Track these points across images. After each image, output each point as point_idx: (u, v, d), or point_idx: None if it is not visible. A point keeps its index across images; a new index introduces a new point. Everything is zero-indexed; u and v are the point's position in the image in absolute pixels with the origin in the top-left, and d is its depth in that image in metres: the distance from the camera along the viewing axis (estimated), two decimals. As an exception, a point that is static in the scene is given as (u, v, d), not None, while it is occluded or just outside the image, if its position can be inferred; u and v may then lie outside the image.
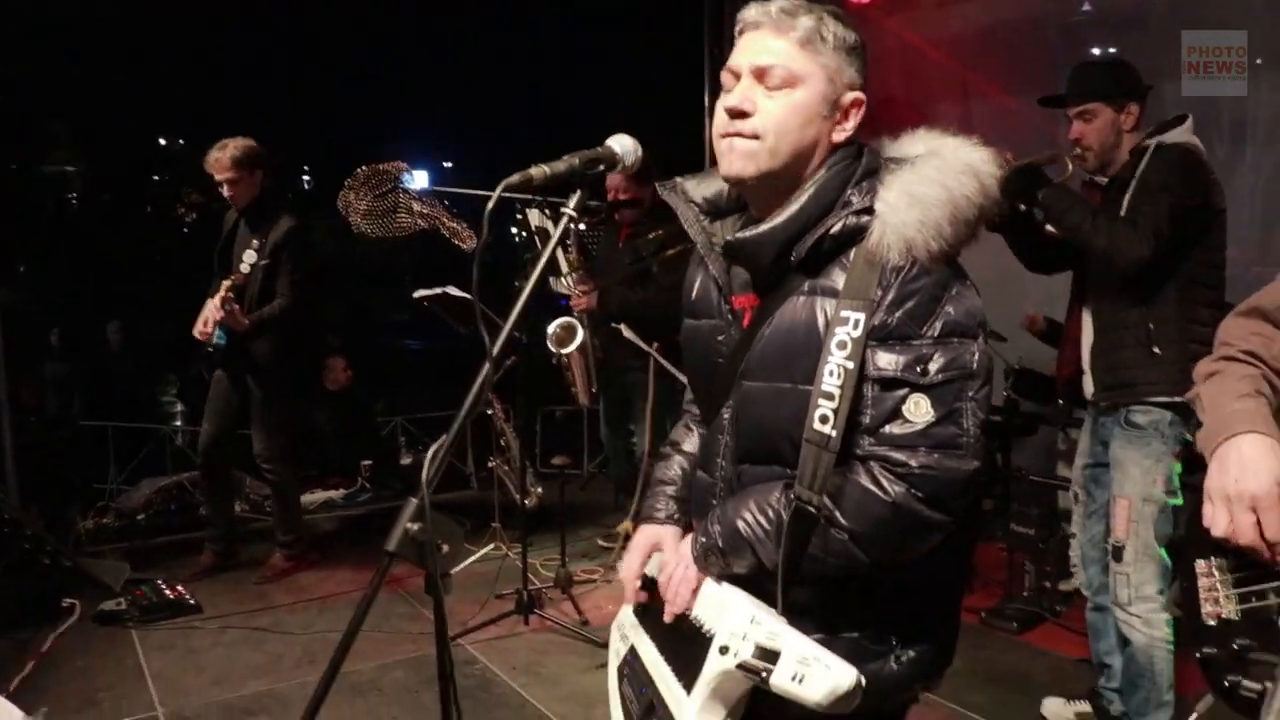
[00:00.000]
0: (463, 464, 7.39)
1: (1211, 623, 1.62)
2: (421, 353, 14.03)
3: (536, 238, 4.76)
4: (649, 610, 1.90)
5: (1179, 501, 3.24)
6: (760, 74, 1.63)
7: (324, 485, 6.69)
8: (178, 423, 7.42)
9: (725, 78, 1.69)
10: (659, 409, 5.09)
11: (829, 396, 1.55)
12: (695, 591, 1.75)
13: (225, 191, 4.87)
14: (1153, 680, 3.18)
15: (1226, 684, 1.56)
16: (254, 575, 5.16)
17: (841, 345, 1.55)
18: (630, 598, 1.92)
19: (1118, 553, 3.22)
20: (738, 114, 1.64)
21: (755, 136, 1.63)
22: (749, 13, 1.67)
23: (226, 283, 4.73)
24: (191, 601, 4.70)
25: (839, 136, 1.68)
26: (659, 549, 1.92)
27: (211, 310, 4.76)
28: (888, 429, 1.58)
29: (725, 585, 1.71)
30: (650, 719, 1.76)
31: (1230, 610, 1.60)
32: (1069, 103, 3.31)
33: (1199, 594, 1.66)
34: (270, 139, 5.03)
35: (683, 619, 1.75)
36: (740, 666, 1.53)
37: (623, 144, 1.72)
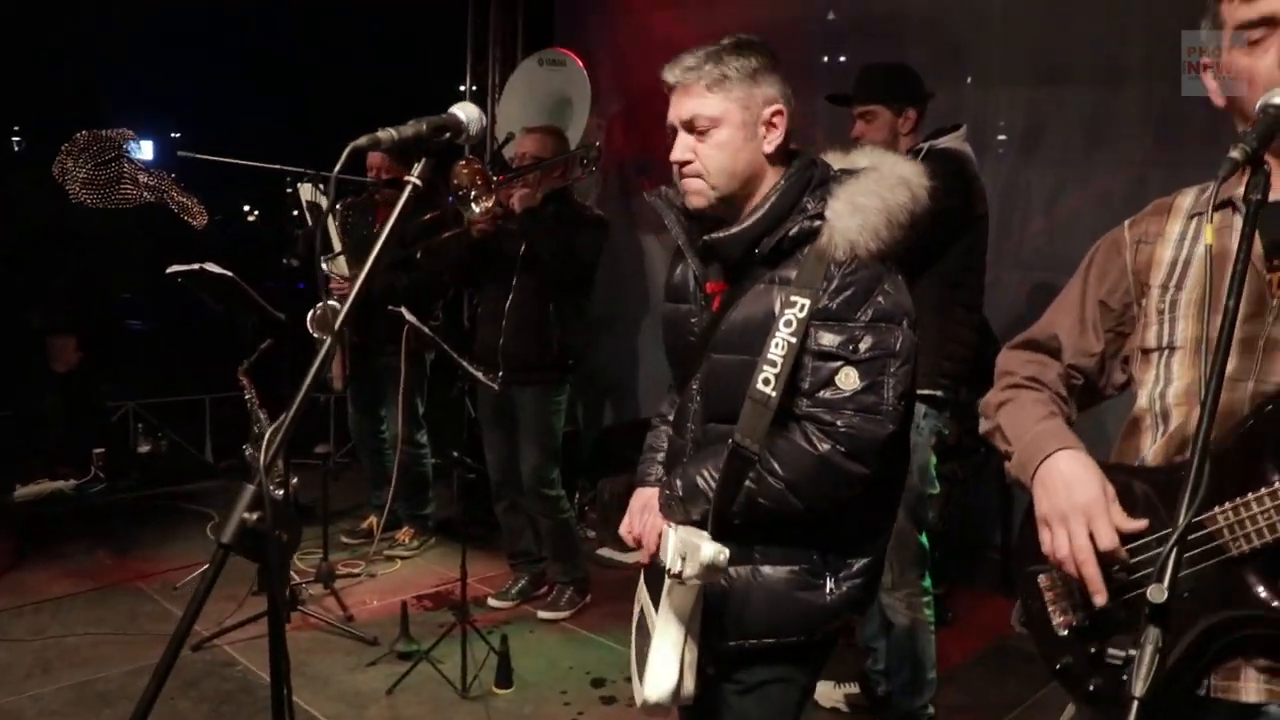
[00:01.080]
0: (200, 451, 6.96)
1: (1064, 633, 1.67)
2: (148, 334, 13.10)
3: (307, 213, 4.52)
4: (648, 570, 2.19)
5: (935, 490, 3.48)
6: (688, 126, 2.00)
7: (51, 475, 6.11)
8: None
9: (668, 129, 2.04)
10: (409, 395, 5.01)
11: (772, 364, 1.87)
12: (660, 534, 2.04)
13: None
14: (916, 660, 3.37)
15: (1092, 689, 1.59)
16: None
17: (789, 324, 1.88)
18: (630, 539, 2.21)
19: (880, 540, 3.39)
20: (682, 164, 2.01)
21: (699, 176, 2.00)
22: (666, 75, 2.02)
23: None
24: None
25: (769, 148, 2.01)
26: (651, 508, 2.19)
27: None
28: (822, 394, 1.91)
29: (677, 528, 1.98)
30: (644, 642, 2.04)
31: (1080, 617, 1.65)
32: (853, 102, 3.46)
33: (1046, 608, 1.70)
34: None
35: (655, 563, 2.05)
36: (668, 573, 1.87)
37: (468, 112, 1.64)
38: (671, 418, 2.29)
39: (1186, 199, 1.71)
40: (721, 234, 2.01)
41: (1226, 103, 1.57)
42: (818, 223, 1.92)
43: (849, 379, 1.89)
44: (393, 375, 4.94)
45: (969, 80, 5.27)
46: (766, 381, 1.87)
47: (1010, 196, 5.12)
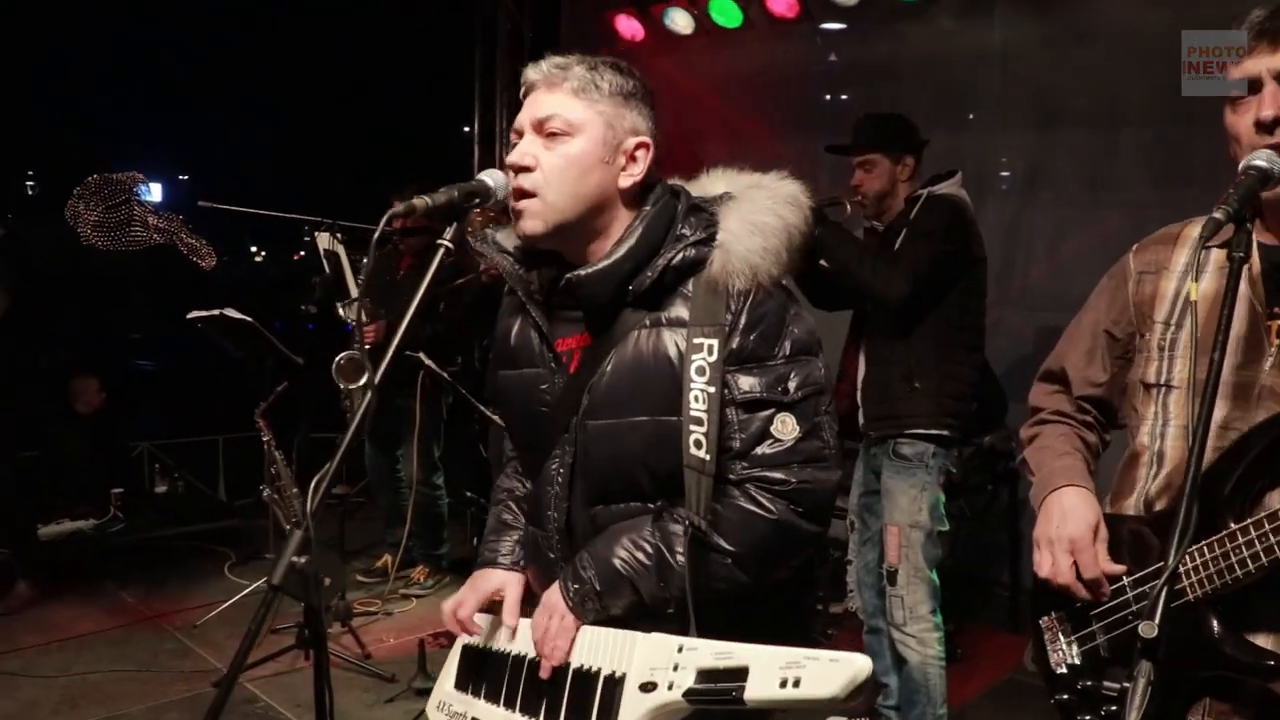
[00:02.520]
0: (214, 491, 7.03)
1: (1061, 671, 1.77)
2: (158, 375, 13.21)
3: (325, 261, 4.63)
4: (481, 674, 1.87)
5: (945, 528, 3.54)
6: (540, 126, 1.70)
7: (71, 515, 6.19)
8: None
9: (514, 138, 1.75)
10: (426, 438, 5.08)
11: (698, 422, 1.59)
12: (573, 640, 1.72)
13: None
14: (928, 696, 3.41)
15: None
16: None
17: (700, 371, 1.61)
18: (458, 630, 1.89)
19: (891, 577, 3.44)
20: (519, 169, 1.69)
21: (533, 194, 1.68)
22: (528, 73, 1.74)
23: None
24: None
25: (625, 182, 1.73)
26: (499, 596, 1.88)
27: None
28: (759, 450, 1.65)
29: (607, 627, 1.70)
30: None
31: (1073, 655, 1.76)
32: (852, 152, 3.55)
33: (1046, 647, 1.82)
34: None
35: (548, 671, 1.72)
36: (691, 694, 1.49)
37: (495, 178, 1.72)
38: (521, 493, 1.99)
39: (1195, 228, 1.74)
40: (588, 270, 1.69)
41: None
42: (704, 249, 1.67)
43: (787, 426, 1.64)
44: (409, 418, 4.99)
45: (970, 120, 5.36)
46: (698, 444, 1.58)
47: (1013, 238, 5.18)
